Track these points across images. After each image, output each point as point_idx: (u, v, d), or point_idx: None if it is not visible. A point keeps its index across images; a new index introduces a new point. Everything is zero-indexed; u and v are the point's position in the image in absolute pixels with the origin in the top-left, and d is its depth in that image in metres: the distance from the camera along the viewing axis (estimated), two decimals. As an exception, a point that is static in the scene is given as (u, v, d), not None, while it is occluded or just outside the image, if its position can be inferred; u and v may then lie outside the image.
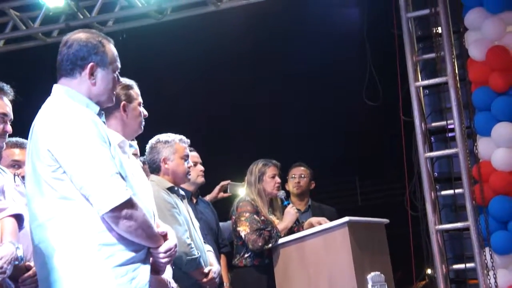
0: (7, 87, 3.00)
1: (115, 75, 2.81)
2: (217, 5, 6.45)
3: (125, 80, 3.32)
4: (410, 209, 5.43)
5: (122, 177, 2.65)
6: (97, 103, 2.79)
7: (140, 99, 3.29)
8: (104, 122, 2.81)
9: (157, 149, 4.22)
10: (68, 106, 2.69)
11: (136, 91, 3.31)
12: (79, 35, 2.76)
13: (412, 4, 5.67)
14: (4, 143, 3.07)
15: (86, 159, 2.59)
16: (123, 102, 3.25)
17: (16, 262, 2.56)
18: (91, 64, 2.72)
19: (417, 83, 5.56)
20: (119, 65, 2.82)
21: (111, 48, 2.79)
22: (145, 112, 3.29)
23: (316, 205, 5.68)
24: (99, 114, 2.78)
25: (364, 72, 5.52)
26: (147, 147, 4.29)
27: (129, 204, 2.60)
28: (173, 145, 4.21)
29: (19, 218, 2.45)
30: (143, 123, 3.31)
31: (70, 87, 2.74)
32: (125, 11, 6.57)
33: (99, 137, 2.64)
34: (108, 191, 2.57)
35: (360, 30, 5.49)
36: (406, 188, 5.52)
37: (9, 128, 3.04)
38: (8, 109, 3.02)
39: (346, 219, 4.49)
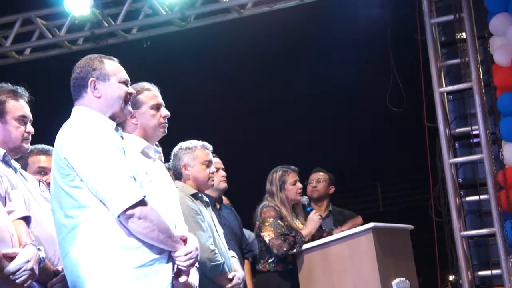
0: (21, 89, 3.05)
1: (122, 85, 2.91)
2: (240, 12, 6.49)
3: (137, 85, 3.39)
4: (434, 215, 5.40)
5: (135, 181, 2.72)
6: (112, 117, 2.90)
7: (155, 101, 3.34)
8: (122, 137, 2.90)
9: (179, 156, 4.25)
10: (85, 120, 2.82)
11: (147, 94, 3.35)
12: (80, 61, 2.94)
13: (435, 10, 5.66)
14: (28, 144, 3.12)
15: (99, 163, 2.69)
16: None
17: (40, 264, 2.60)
18: (91, 79, 2.87)
19: (441, 89, 5.54)
20: (125, 76, 2.94)
21: (110, 63, 2.94)
22: (164, 113, 3.34)
23: (337, 210, 5.67)
24: (116, 130, 2.89)
25: (388, 78, 5.51)
26: (172, 154, 4.32)
27: (143, 204, 2.67)
28: (194, 151, 4.23)
29: (27, 220, 2.50)
30: (164, 124, 3.35)
31: (84, 106, 2.88)
32: (149, 19, 6.64)
33: (112, 143, 2.74)
34: (121, 193, 2.65)
35: (383, 36, 5.49)
36: (430, 194, 5.49)
37: (31, 129, 3.10)
38: (26, 110, 3.08)
39: (370, 225, 4.49)
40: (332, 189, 5.68)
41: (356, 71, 6.61)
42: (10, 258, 2.22)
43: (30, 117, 3.09)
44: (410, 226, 4.92)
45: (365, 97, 6.71)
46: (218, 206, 4.89)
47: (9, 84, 3.10)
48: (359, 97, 6.81)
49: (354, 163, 7.82)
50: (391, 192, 10.12)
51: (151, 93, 3.38)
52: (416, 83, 5.45)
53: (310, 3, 6.29)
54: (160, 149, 3.50)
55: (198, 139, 4.33)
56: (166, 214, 2.85)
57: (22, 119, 3.04)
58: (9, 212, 2.37)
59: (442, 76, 5.63)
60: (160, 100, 3.39)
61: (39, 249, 2.34)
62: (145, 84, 3.40)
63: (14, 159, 3.10)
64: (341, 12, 6.32)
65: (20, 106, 3.04)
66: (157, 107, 3.35)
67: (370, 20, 5.98)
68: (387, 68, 5.52)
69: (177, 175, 4.25)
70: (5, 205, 2.36)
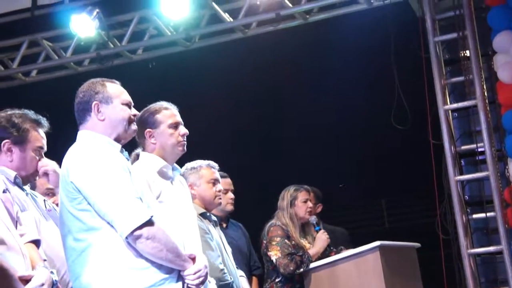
0: (43, 120, 3.11)
1: (125, 107, 2.95)
2: (244, 32, 6.53)
3: (155, 104, 3.44)
4: (441, 233, 5.39)
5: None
6: (117, 139, 2.93)
7: (173, 120, 3.40)
8: (127, 159, 2.94)
9: (185, 176, 4.26)
10: (90, 143, 2.86)
11: (165, 113, 3.41)
12: (82, 86, 2.98)
13: (439, 28, 5.70)
14: (38, 175, 3.16)
15: (105, 185, 2.71)
16: (147, 129, 3.37)
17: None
18: (94, 103, 2.90)
19: (446, 106, 5.56)
20: (127, 98, 2.98)
21: (112, 86, 2.97)
22: (183, 131, 3.39)
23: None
24: (121, 151, 2.91)
25: (392, 96, 5.53)
26: None
27: (150, 224, 2.69)
28: (199, 171, 4.23)
29: (37, 243, 2.52)
30: (183, 142, 3.39)
31: (88, 129, 2.91)
32: (154, 40, 6.68)
33: (118, 165, 2.76)
34: (128, 214, 2.67)
35: (387, 55, 5.52)
36: (435, 211, 5.49)
37: (43, 163, 3.18)
38: (44, 141, 3.15)
39: (377, 243, 4.49)
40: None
41: (361, 89, 6.63)
42: (25, 281, 2.23)
43: (45, 148, 3.17)
44: (417, 244, 4.92)
45: (369, 115, 6.73)
46: (224, 225, 4.90)
47: (31, 111, 3.16)
48: (364, 115, 6.83)
49: (359, 180, 7.82)
50: (396, 209, 10.09)
51: (169, 112, 3.42)
52: (421, 101, 5.47)
53: (314, 23, 6.33)
54: (179, 168, 3.53)
55: (203, 159, 4.35)
56: (175, 234, 2.86)
57: (39, 150, 3.11)
58: (20, 236, 2.39)
59: (447, 93, 5.65)
60: (178, 118, 3.43)
61: (51, 272, 2.36)
62: (163, 103, 3.46)
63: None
64: (345, 31, 6.36)
65: (40, 138, 3.12)
66: (175, 126, 3.40)
67: (374, 38, 6.02)
68: (391, 86, 5.54)
69: None
70: (16, 228, 2.38)
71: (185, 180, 4.23)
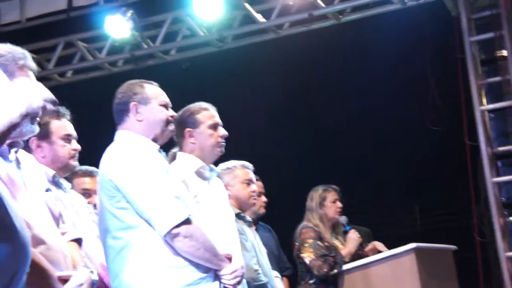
0: (62, 109, 3.11)
1: (162, 108, 2.96)
2: (277, 32, 6.52)
3: (194, 104, 3.45)
4: (478, 235, 5.31)
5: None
6: (154, 140, 2.94)
7: (212, 121, 3.41)
8: (165, 158, 2.95)
9: (219, 177, 4.25)
10: (128, 143, 2.87)
11: (205, 114, 3.42)
12: (121, 87, 3.01)
13: (475, 27, 5.62)
14: (76, 161, 3.18)
15: (144, 184, 2.72)
16: (186, 129, 3.38)
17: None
18: (132, 103, 2.93)
19: (482, 107, 5.48)
20: (165, 99, 3.00)
21: (150, 87, 2.99)
22: (222, 133, 3.39)
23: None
24: (159, 152, 2.92)
25: (427, 97, 5.47)
26: None
27: (188, 223, 2.70)
28: (233, 171, 4.23)
29: (79, 242, 2.54)
30: (222, 143, 3.40)
31: (126, 129, 2.94)
32: (187, 40, 6.71)
33: (156, 164, 2.78)
34: (166, 213, 2.68)
35: (422, 56, 5.46)
36: (470, 213, 5.42)
37: (77, 146, 3.16)
38: (70, 128, 3.14)
39: (413, 245, 4.44)
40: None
41: (395, 90, 6.56)
42: (64, 280, 2.25)
43: (75, 134, 3.16)
44: (453, 247, 4.85)
45: (404, 116, 6.66)
46: (254, 227, 4.89)
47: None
48: (398, 116, 6.75)
49: (392, 182, 7.75)
50: (429, 211, 9.98)
51: (208, 112, 3.43)
52: (456, 102, 5.40)
53: (347, 23, 6.30)
54: (217, 169, 3.54)
55: (236, 159, 4.35)
56: (212, 233, 2.87)
57: (67, 138, 3.10)
58: (62, 234, 2.41)
59: (483, 94, 5.58)
60: (217, 119, 3.44)
61: (91, 272, 2.37)
62: (203, 104, 3.47)
63: (65, 178, 3.17)
64: (379, 31, 6.31)
65: (63, 125, 3.11)
66: (215, 127, 3.41)
67: (408, 39, 5.95)
68: (426, 87, 5.48)
69: None
70: (58, 226, 2.41)
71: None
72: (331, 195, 4.99)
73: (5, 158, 2.25)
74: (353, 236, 4.89)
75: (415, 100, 5.95)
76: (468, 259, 5.41)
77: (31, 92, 1.88)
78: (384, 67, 6.52)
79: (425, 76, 5.46)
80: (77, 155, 3.17)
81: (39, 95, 1.92)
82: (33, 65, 2.33)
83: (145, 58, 6.76)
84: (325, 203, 4.95)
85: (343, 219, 5.00)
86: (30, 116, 1.86)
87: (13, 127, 1.79)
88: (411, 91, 6.34)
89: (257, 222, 5.02)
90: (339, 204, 4.99)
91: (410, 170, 7.64)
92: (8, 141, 2.29)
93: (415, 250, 4.41)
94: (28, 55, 2.33)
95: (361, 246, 4.93)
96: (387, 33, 6.24)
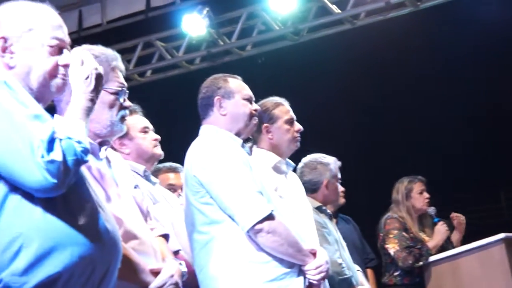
0: (135, 106, 3.17)
1: (246, 102, 2.98)
2: (353, 23, 6.43)
3: (269, 100, 3.47)
4: None
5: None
6: (238, 134, 2.96)
7: (289, 116, 3.45)
8: (248, 153, 2.96)
9: (319, 171, 4.15)
10: (212, 138, 2.90)
11: (281, 109, 3.45)
12: (205, 81, 3.05)
13: None
14: (160, 150, 3.26)
15: (227, 179, 2.75)
16: (264, 124, 3.41)
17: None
18: (216, 98, 2.96)
19: None
20: (249, 93, 3.02)
21: (234, 81, 3.01)
22: (298, 127, 3.41)
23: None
24: (242, 147, 2.94)
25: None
26: (302, 166, 4.27)
27: (271, 219, 2.71)
28: (332, 169, 4.19)
29: (166, 237, 2.59)
30: (298, 138, 3.43)
31: (211, 124, 2.97)
32: (262, 35, 6.72)
33: (239, 159, 2.79)
34: (249, 208, 2.70)
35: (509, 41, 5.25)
36: None
37: (156, 136, 3.25)
38: (146, 122, 3.24)
39: (502, 235, 4.29)
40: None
41: (477, 79, 6.33)
42: (155, 273, 2.32)
43: (151, 126, 3.26)
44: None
45: (488, 104, 6.43)
46: (334, 221, 4.85)
47: None
48: (483, 104, 6.52)
49: (476, 171, 7.52)
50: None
51: (284, 107, 3.48)
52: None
53: (426, 9, 6.14)
54: (293, 163, 3.56)
55: (315, 152, 4.32)
56: (295, 228, 2.87)
57: (145, 130, 3.21)
58: (150, 230, 2.48)
59: None
60: (292, 114, 3.48)
61: (180, 264, 2.43)
62: (277, 99, 3.51)
63: (152, 175, 3.26)
64: (460, 16, 6.12)
65: (140, 120, 3.22)
66: (291, 122, 3.45)
67: (494, 23, 5.73)
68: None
69: (313, 189, 4.19)
70: (146, 222, 2.47)
71: (320, 175, 4.12)
72: (418, 186, 4.90)
73: (96, 156, 2.34)
74: (441, 229, 4.78)
75: (500, 88, 5.73)
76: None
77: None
78: (465, 54, 6.32)
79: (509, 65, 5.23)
80: (158, 144, 3.26)
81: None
82: (122, 66, 2.43)
83: (221, 55, 6.82)
84: (411, 194, 4.87)
85: (431, 210, 4.90)
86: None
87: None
88: (495, 79, 6.12)
89: (337, 214, 4.98)
90: (426, 194, 4.90)
91: (495, 159, 7.39)
92: (98, 140, 2.38)
93: (505, 240, 4.26)
94: (119, 57, 2.42)
95: (449, 239, 4.82)
96: (470, 18, 6.04)
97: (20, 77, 1.97)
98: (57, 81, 2.02)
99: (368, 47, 6.57)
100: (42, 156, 1.78)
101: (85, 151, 1.87)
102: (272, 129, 3.43)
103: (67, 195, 1.87)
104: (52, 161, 1.79)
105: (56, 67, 2.01)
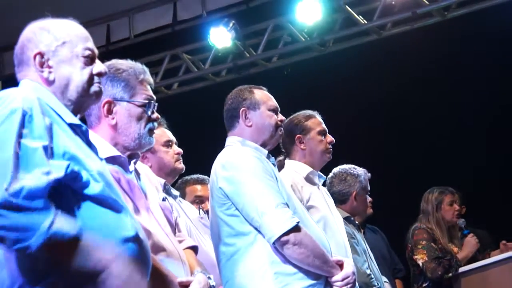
0: (160, 119, 3.21)
1: (271, 113, 2.99)
2: (379, 33, 6.42)
3: (301, 112, 3.52)
4: None
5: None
6: (264, 145, 2.97)
7: (320, 127, 3.52)
8: (274, 164, 2.97)
9: (349, 183, 4.21)
10: (238, 149, 2.92)
11: (314, 121, 3.50)
12: (231, 93, 3.06)
13: None
14: (182, 164, 3.29)
15: (253, 191, 2.75)
16: (297, 136, 3.44)
17: None
18: (242, 109, 2.97)
19: None
20: (274, 104, 3.03)
21: (259, 92, 3.02)
22: (330, 139, 3.46)
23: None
24: (268, 158, 2.95)
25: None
26: (332, 176, 4.29)
27: (297, 231, 2.70)
28: (362, 181, 4.23)
29: (195, 250, 2.60)
30: (330, 149, 3.47)
31: (236, 135, 2.98)
32: (288, 47, 6.74)
33: (264, 171, 2.80)
34: (275, 220, 2.70)
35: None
36: None
37: (179, 150, 3.28)
38: (169, 134, 3.28)
39: (533, 246, 4.23)
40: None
41: (508, 87, 6.23)
42: (185, 286, 2.32)
43: (174, 139, 3.29)
44: None
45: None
46: (362, 231, 4.83)
47: None
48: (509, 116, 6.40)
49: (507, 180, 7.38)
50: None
51: (316, 119, 3.55)
52: None
53: (453, 19, 6.11)
54: (324, 176, 3.59)
55: (343, 164, 4.32)
56: (322, 239, 2.86)
57: (168, 144, 3.24)
58: (179, 242, 2.49)
59: None
60: (324, 126, 3.52)
61: (209, 278, 2.44)
62: (309, 112, 3.57)
63: (173, 187, 3.28)
64: (488, 26, 6.06)
65: (162, 133, 3.24)
66: (323, 133, 3.50)
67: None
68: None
69: (342, 201, 4.21)
70: (175, 234, 2.49)
71: (349, 186, 4.18)
72: (448, 198, 4.87)
73: (126, 169, 2.36)
74: (472, 241, 4.74)
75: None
76: None
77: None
78: (494, 63, 6.23)
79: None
80: (180, 158, 3.29)
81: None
82: (151, 79, 2.47)
83: (247, 67, 6.84)
84: (442, 206, 4.84)
85: (461, 222, 4.85)
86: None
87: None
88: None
89: (365, 225, 4.96)
90: (456, 206, 4.86)
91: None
92: (127, 153, 2.41)
93: (536, 251, 4.20)
94: (147, 70, 2.46)
95: (478, 251, 4.76)
96: (497, 28, 5.98)
97: (60, 90, 2.02)
98: (95, 88, 2.07)
99: (395, 57, 6.54)
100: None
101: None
102: (304, 140, 3.50)
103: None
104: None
105: (92, 76, 2.05)
